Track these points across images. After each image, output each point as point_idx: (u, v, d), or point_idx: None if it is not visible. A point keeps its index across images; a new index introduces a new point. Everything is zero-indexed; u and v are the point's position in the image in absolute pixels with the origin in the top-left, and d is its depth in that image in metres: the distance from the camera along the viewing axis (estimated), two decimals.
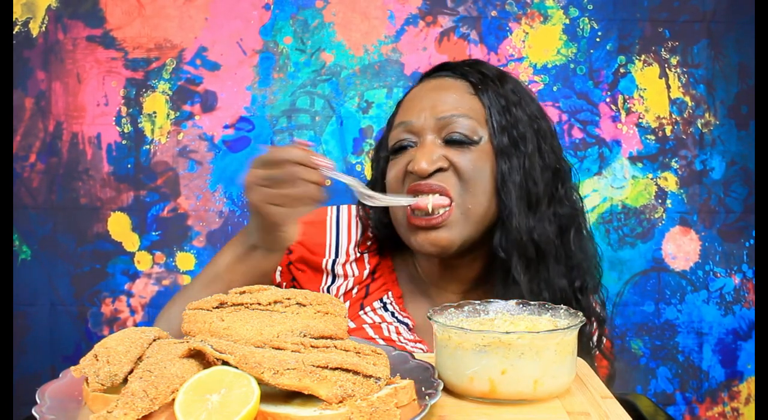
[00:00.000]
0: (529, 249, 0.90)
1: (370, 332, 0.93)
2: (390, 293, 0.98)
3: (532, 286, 0.90)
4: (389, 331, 0.93)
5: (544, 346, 0.64)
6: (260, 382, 0.54)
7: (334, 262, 1.00)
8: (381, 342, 0.90)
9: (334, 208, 1.05)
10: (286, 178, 0.79)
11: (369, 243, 1.02)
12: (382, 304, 0.97)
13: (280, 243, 0.86)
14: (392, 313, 0.96)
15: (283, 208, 0.80)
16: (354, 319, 0.96)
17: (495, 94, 0.95)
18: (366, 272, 0.99)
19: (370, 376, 0.57)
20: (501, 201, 0.91)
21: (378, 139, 1.11)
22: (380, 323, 0.94)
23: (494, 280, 0.94)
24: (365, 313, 0.97)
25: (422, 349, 0.91)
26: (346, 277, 1.00)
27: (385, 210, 0.98)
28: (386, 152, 0.99)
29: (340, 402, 0.54)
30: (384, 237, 1.00)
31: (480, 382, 0.65)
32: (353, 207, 1.05)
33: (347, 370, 0.56)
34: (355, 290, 0.99)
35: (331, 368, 0.56)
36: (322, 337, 0.66)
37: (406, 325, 0.94)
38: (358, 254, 1.00)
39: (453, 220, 0.90)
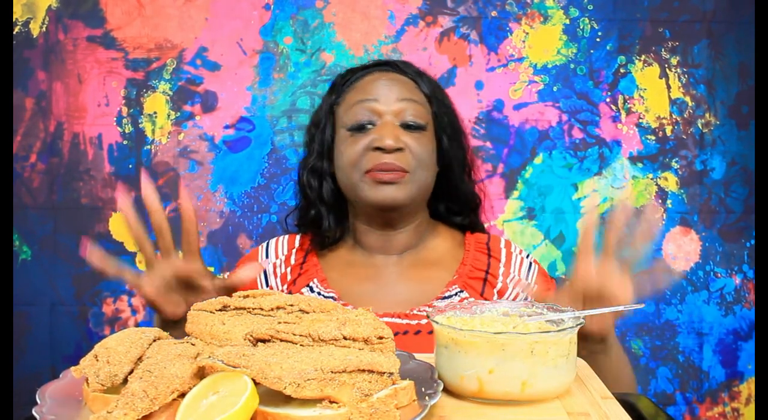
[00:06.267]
0: (470, 204, 1.20)
1: None
2: (315, 280, 1.11)
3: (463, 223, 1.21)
4: None
5: (533, 348, 0.64)
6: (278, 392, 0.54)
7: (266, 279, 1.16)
8: None
9: (263, 244, 1.20)
10: None
11: (294, 251, 1.17)
12: (308, 290, 1.11)
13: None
14: (318, 293, 1.09)
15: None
16: None
17: (431, 90, 1.14)
18: (290, 270, 1.15)
19: (384, 373, 0.57)
20: (445, 174, 1.14)
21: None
22: None
23: (421, 244, 1.15)
24: None
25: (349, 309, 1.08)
26: (275, 276, 1.16)
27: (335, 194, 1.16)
28: (335, 128, 1.14)
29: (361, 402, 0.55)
30: (316, 235, 1.16)
31: (469, 381, 0.65)
32: (280, 237, 1.20)
33: (362, 370, 0.56)
34: (285, 285, 1.15)
35: (348, 372, 0.56)
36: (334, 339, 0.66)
37: (332, 297, 1.08)
38: (284, 269, 1.15)
39: (404, 181, 1.06)
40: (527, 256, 1.17)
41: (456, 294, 1.08)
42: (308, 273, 1.13)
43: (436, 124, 1.13)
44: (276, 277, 1.14)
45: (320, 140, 1.15)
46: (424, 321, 1.03)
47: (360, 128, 1.08)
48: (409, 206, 1.10)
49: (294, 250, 1.17)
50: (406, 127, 1.07)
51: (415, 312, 1.05)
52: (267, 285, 1.14)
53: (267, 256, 1.16)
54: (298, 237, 1.19)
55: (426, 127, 1.09)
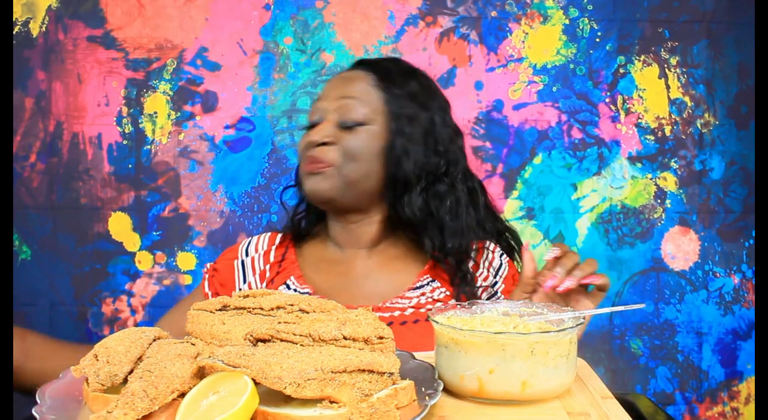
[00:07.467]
0: (423, 213, 1.09)
1: None
2: (292, 277, 1.13)
3: (434, 241, 1.09)
4: None
5: (533, 348, 0.64)
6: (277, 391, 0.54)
7: (244, 276, 1.17)
8: None
9: (245, 241, 1.20)
10: None
11: (274, 248, 1.18)
12: (285, 287, 1.12)
13: None
14: (294, 290, 1.10)
15: None
16: None
17: (395, 86, 1.10)
18: (269, 267, 1.16)
19: (384, 373, 0.57)
20: (392, 173, 1.08)
21: None
22: None
23: (392, 238, 1.14)
24: None
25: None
26: (253, 272, 1.16)
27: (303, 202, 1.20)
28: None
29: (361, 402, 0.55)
30: (298, 225, 1.20)
31: (470, 381, 0.65)
32: (262, 235, 1.21)
33: (362, 370, 0.56)
34: (263, 283, 1.15)
35: (348, 372, 0.56)
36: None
37: (308, 293, 1.09)
38: (263, 265, 1.17)
39: (329, 174, 1.07)
40: (501, 256, 1.15)
41: (428, 283, 1.09)
42: (286, 271, 1.14)
43: (390, 121, 1.09)
44: (255, 273, 1.16)
45: None
46: (396, 313, 1.05)
47: (310, 126, 1.12)
48: (341, 198, 1.09)
49: (274, 247, 1.19)
50: (344, 126, 1.08)
51: (387, 305, 1.06)
52: (245, 281, 1.15)
53: (247, 254, 1.18)
54: (279, 235, 1.21)
55: (366, 123, 1.08)
